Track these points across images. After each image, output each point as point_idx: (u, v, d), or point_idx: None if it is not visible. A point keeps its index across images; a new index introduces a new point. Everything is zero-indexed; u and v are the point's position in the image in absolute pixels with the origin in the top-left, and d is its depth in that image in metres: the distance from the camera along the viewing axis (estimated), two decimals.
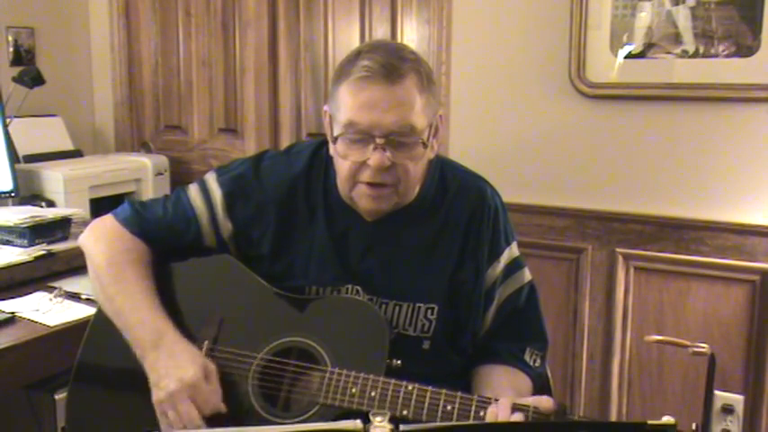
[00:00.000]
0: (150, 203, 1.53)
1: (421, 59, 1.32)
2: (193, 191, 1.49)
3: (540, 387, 1.46)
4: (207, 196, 1.47)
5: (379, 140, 1.27)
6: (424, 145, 1.31)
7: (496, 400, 1.21)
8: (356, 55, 1.29)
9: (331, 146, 1.35)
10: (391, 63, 1.26)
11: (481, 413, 1.21)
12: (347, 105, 1.28)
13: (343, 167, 1.33)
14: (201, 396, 1.29)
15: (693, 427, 1.11)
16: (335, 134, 1.32)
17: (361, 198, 1.34)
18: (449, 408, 1.22)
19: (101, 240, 1.48)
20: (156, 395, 1.31)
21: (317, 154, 1.46)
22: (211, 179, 1.49)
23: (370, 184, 1.31)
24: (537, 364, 1.46)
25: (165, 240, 1.48)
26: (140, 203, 1.53)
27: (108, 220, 1.51)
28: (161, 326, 1.36)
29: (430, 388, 1.24)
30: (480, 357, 1.45)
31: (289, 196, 1.44)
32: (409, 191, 1.36)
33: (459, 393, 1.24)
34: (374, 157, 1.27)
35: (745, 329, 2.27)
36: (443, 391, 1.24)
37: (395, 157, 1.28)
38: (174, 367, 1.30)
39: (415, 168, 1.32)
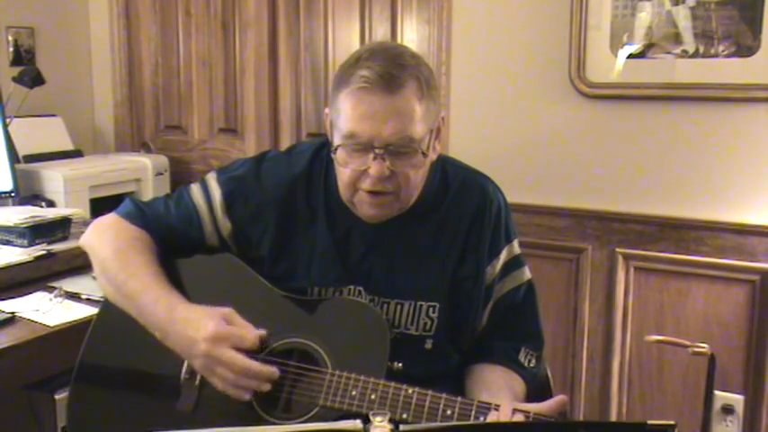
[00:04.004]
0: (152, 201, 1.54)
1: (421, 64, 1.31)
2: (195, 190, 1.49)
3: (539, 388, 1.46)
4: (207, 196, 1.47)
5: (378, 150, 1.27)
6: (424, 154, 1.31)
7: (497, 406, 1.21)
8: (356, 61, 1.28)
9: (332, 153, 1.35)
10: (390, 72, 1.25)
11: (481, 418, 1.21)
12: (347, 116, 1.28)
13: (343, 175, 1.33)
14: (233, 338, 1.28)
15: None
16: (336, 143, 1.32)
17: (363, 205, 1.34)
18: (448, 412, 1.22)
19: (105, 234, 1.48)
20: (196, 365, 1.30)
21: (318, 155, 1.46)
22: (212, 179, 1.49)
23: (371, 192, 1.31)
24: (532, 365, 1.46)
25: (168, 237, 1.48)
26: (142, 201, 1.53)
27: (110, 217, 1.51)
28: (172, 300, 1.35)
29: (430, 392, 1.24)
30: (475, 356, 1.45)
31: (289, 197, 1.44)
32: (411, 197, 1.36)
33: (459, 398, 1.24)
34: (374, 167, 1.27)
35: (745, 329, 2.27)
36: (443, 395, 1.24)
37: (394, 166, 1.28)
38: (194, 331, 1.29)
39: (415, 175, 1.32)
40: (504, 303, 1.46)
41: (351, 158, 1.30)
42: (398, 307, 1.40)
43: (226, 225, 1.46)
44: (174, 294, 1.37)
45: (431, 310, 1.40)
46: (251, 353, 1.29)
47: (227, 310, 1.32)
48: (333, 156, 1.34)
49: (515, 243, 1.48)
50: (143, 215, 1.48)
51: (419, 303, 1.40)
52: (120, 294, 1.41)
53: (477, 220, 1.43)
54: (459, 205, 1.43)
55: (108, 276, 1.43)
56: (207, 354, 1.27)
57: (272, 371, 1.28)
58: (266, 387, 1.28)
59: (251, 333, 1.30)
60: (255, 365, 1.27)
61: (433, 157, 1.38)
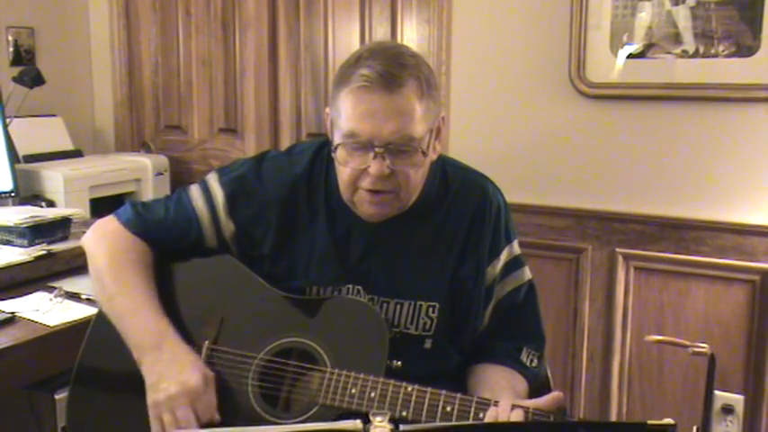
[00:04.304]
0: (152, 204, 1.54)
1: (421, 63, 1.32)
2: (195, 192, 1.49)
3: (539, 387, 1.46)
4: (209, 197, 1.47)
5: (378, 149, 1.27)
6: (424, 153, 1.31)
7: (496, 402, 1.22)
8: (356, 60, 1.28)
9: (333, 152, 1.35)
10: (390, 72, 1.25)
11: (480, 414, 1.21)
12: (347, 114, 1.28)
13: (343, 174, 1.33)
14: (201, 403, 1.29)
15: (694, 430, 1.11)
16: (336, 142, 1.32)
17: (363, 204, 1.34)
18: (448, 409, 1.22)
19: (102, 242, 1.48)
20: (154, 397, 1.30)
21: (318, 154, 1.46)
22: (213, 180, 1.49)
23: (371, 191, 1.31)
24: (534, 365, 1.46)
25: (167, 241, 1.48)
26: (142, 204, 1.53)
27: (110, 222, 1.51)
28: (162, 328, 1.36)
29: (429, 389, 1.25)
30: (477, 356, 1.46)
31: (290, 197, 1.44)
32: (411, 196, 1.36)
33: (458, 394, 1.24)
34: (374, 166, 1.28)
35: (745, 329, 2.27)
36: (443, 392, 1.24)
37: (394, 165, 1.28)
38: (176, 371, 1.30)
39: (415, 174, 1.33)
40: (505, 304, 1.46)
41: (351, 157, 1.30)
42: (398, 307, 1.40)
43: (229, 226, 1.46)
44: (164, 321, 1.38)
45: (430, 309, 1.40)
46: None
47: (210, 375, 1.33)
48: (333, 155, 1.34)
49: (515, 243, 1.48)
50: (142, 222, 1.48)
51: (419, 303, 1.40)
52: (110, 308, 1.42)
53: (477, 221, 1.43)
54: (459, 205, 1.44)
55: (101, 286, 1.45)
56: (171, 397, 1.28)
57: None
58: None
59: (213, 411, 1.30)
60: None
61: (433, 157, 1.38)
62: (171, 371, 1.30)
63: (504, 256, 1.45)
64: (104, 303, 1.45)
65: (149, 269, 1.46)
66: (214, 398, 1.32)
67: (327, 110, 1.38)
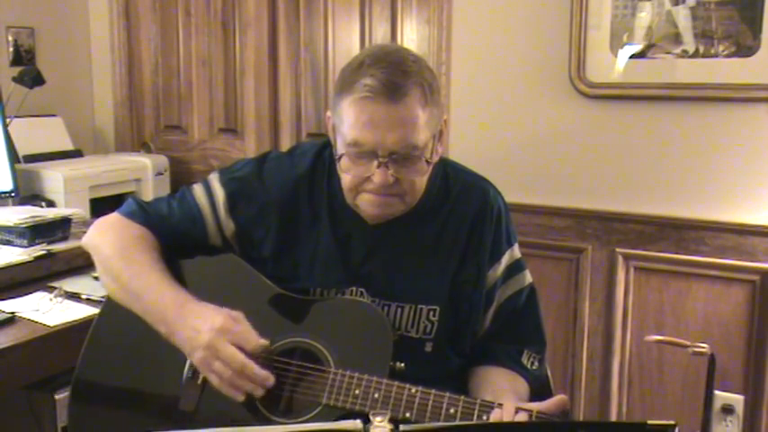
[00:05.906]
0: (155, 202, 1.54)
1: (424, 68, 1.31)
2: (198, 190, 1.49)
3: (540, 389, 1.46)
4: (210, 196, 1.47)
5: (382, 159, 1.27)
6: (428, 162, 1.31)
7: (500, 404, 1.22)
8: (358, 66, 1.28)
9: (335, 160, 1.35)
10: (393, 81, 1.24)
11: (484, 417, 1.21)
12: (350, 124, 1.27)
13: (346, 180, 1.33)
14: (237, 336, 1.27)
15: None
16: (340, 151, 1.32)
17: (366, 205, 1.34)
18: (452, 411, 1.22)
19: (107, 233, 1.48)
20: (196, 356, 1.28)
21: (320, 155, 1.46)
22: (215, 179, 1.49)
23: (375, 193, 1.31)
24: (534, 367, 1.46)
25: (171, 237, 1.48)
26: (145, 201, 1.53)
27: (113, 216, 1.51)
28: (181, 297, 1.35)
29: (433, 391, 1.24)
30: (478, 358, 1.46)
31: (292, 198, 1.44)
32: (415, 200, 1.37)
33: (462, 397, 1.24)
34: (378, 175, 1.28)
35: (745, 329, 2.27)
36: (447, 394, 1.24)
37: (398, 173, 1.29)
38: (201, 323, 1.28)
39: (420, 181, 1.33)
40: (506, 308, 1.46)
41: (354, 165, 1.30)
42: (399, 310, 1.40)
43: (229, 226, 1.46)
44: (183, 291, 1.37)
45: (431, 313, 1.40)
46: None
47: (237, 312, 1.31)
48: (336, 163, 1.34)
49: (516, 247, 1.48)
50: (146, 214, 1.48)
51: (419, 307, 1.40)
52: (125, 292, 1.40)
53: (477, 224, 1.43)
54: (460, 209, 1.44)
55: (112, 275, 1.43)
56: (209, 344, 1.26)
57: (268, 375, 1.27)
58: (260, 392, 1.27)
59: (255, 336, 1.29)
60: (253, 366, 1.26)
61: (435, 159, 1.38)
62: (197, 327, 1.28)
63: (505, 260, 1.45)
64: (116, 291, 1.43)
65: (159, 253, 1.44)
66: (250, 328, 1.29)
67: (329, 113, 1.37)
